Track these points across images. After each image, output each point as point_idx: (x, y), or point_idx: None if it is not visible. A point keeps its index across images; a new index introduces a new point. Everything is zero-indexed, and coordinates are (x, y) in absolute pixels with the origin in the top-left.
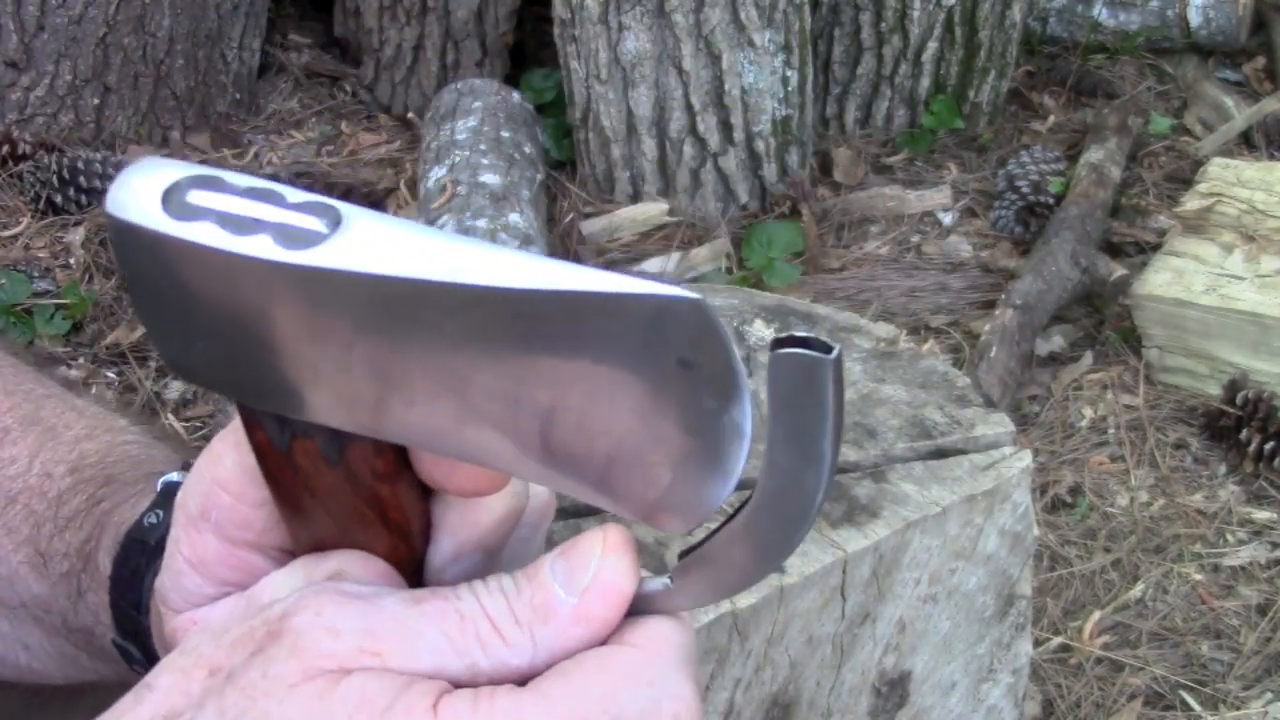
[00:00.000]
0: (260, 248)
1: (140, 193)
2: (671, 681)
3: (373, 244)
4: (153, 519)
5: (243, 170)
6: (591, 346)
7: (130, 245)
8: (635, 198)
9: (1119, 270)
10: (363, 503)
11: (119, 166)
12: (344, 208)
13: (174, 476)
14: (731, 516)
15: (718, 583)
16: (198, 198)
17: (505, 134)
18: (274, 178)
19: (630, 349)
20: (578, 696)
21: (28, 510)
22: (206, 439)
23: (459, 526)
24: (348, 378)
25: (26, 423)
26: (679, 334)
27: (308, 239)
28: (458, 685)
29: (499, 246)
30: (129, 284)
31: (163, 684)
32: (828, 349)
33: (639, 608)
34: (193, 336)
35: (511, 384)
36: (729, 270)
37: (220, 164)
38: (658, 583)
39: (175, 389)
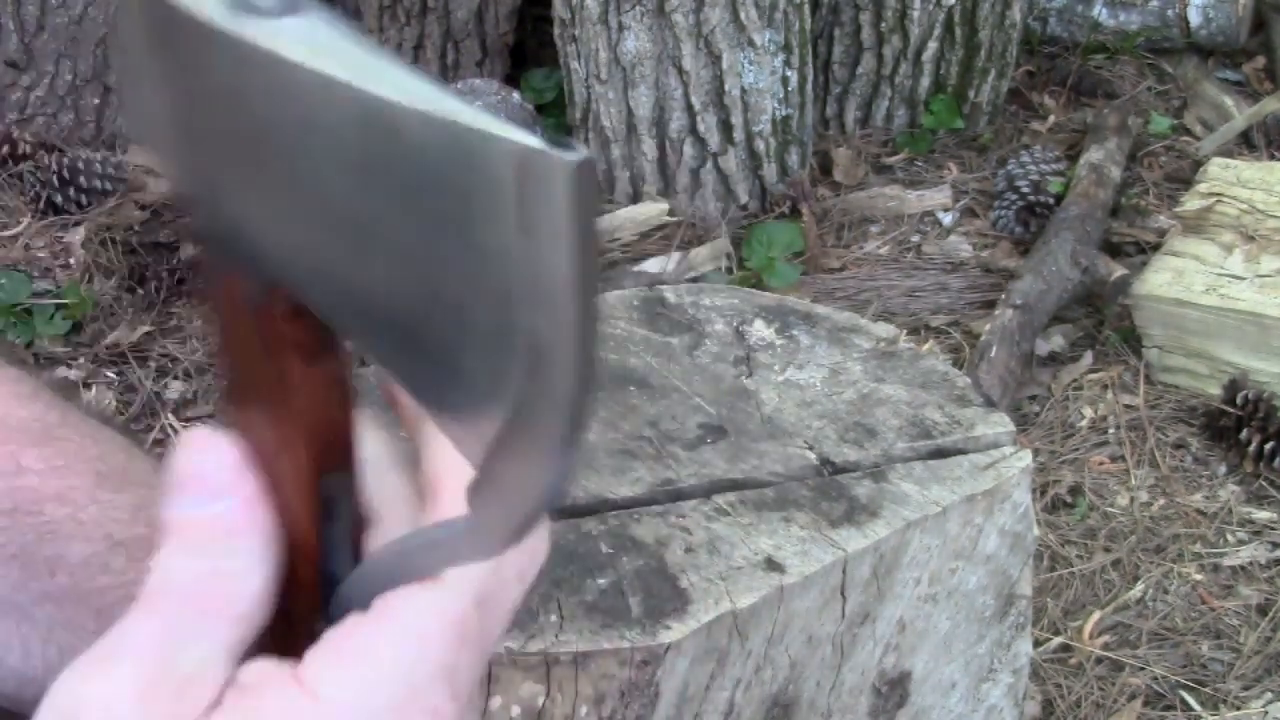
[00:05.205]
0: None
1: None
2: None
3: (310, 38)
4: None
5: None
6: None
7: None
8: (635, 198)
9: (1119, 270)
10: (276, 361)
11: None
12: (319, 9)
13: None
14: None
15: (515, 496)
16: None
17: None
18: None
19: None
20: None
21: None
22: None
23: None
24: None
25: (119, 474)
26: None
27: (253, 9)
28: None
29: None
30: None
31: None
32: (570, 147)
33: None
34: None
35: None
36: (729, 270)
37: None
38: (457, 523)
39: (175, 389)
